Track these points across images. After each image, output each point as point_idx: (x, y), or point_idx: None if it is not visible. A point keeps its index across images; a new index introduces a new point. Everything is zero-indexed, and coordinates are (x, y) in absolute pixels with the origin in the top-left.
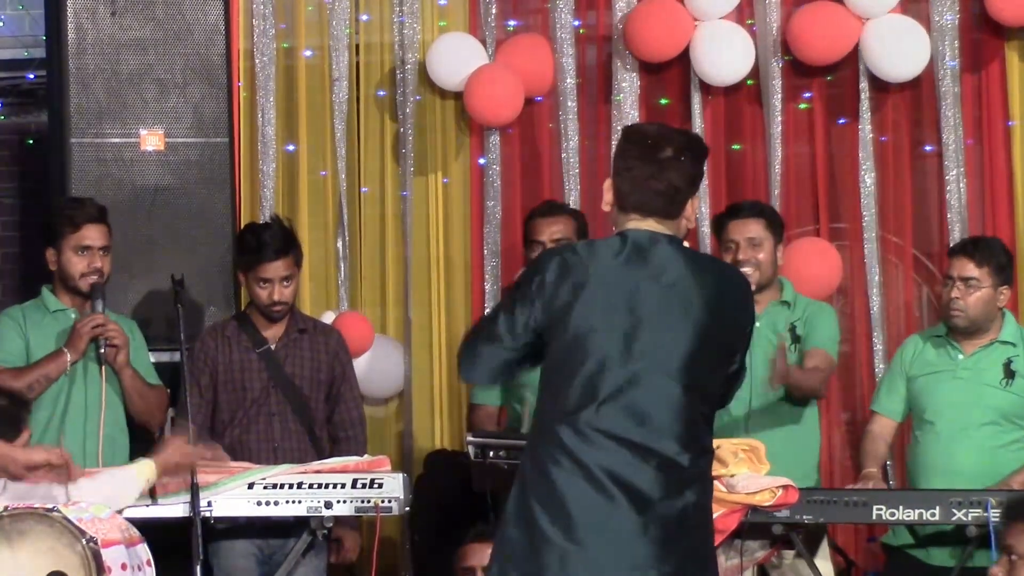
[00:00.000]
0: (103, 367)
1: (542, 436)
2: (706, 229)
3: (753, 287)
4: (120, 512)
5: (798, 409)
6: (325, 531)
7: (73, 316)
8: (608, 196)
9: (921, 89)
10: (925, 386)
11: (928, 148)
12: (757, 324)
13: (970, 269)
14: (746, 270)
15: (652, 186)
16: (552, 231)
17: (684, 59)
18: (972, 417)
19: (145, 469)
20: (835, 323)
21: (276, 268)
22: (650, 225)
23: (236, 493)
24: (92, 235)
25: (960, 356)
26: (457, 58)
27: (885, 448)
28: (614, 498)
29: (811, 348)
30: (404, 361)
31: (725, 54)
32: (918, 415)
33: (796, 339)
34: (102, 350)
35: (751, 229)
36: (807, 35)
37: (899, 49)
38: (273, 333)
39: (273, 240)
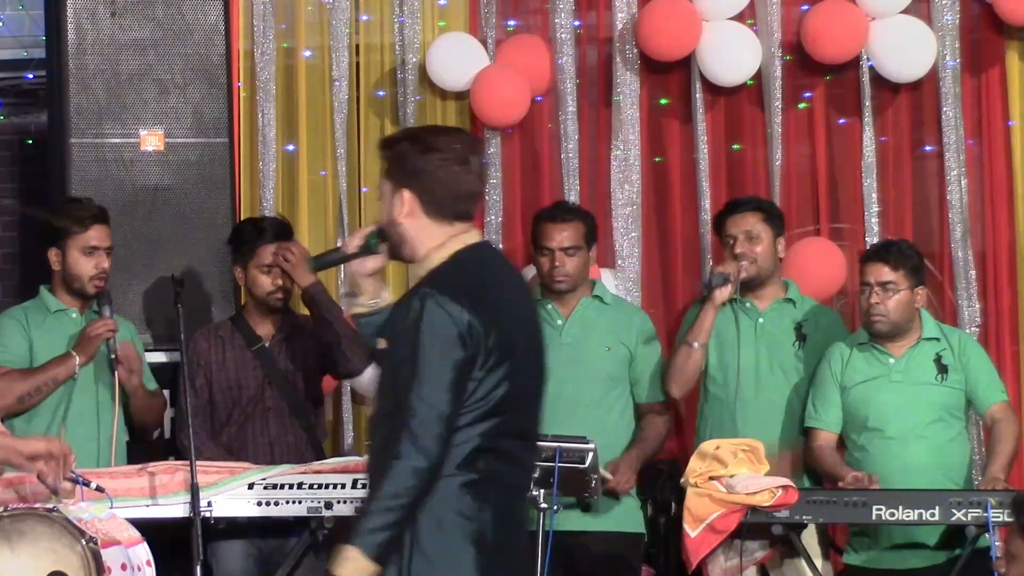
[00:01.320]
0: (116, 370)
1: (497, 463)
2: (708, 229)
3: (750, 275)
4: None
5: (796, 409)
6: (325, 531)
7: (74, 316)
8: (411, 207)
9: (922, 89)
10: (862, 395)
11: (928, 148)
12: (760, 320)
13: (886, 273)
14: (743, 264)
15: (470, 193)
16: (562, 238)
17: (685, 59)
18: (918, 417)
19: None
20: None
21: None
22: (476, 236)
23: (236, 493)
24: (99, 236)
25: (891, 360)
26: (457, 58)
27: (839, 457)
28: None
29: None
30: None
31: (733, 54)
32: (859, 424)
33: (802, 338)
34: (113, 355)
35: (748, 223)
36: (820, 33)
37: (907, 50)
38: (267, 331)
39: (272, 226)
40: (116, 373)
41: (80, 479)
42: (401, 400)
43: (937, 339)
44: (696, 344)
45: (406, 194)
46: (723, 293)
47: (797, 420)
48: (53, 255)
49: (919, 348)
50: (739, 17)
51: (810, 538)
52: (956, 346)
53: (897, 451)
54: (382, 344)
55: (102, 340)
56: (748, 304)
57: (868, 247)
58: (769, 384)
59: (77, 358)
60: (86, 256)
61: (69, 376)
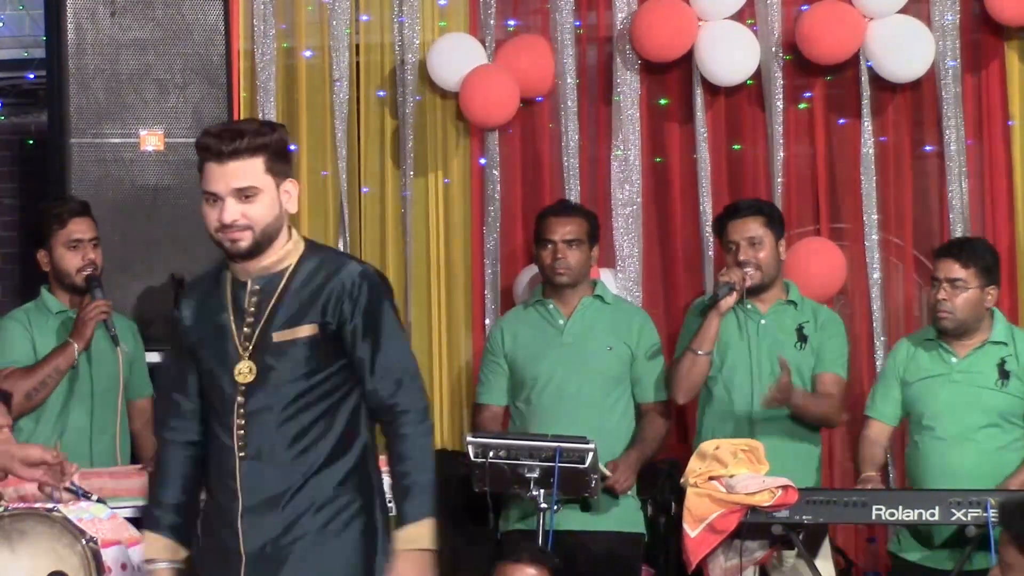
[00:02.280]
0: (118, 348)
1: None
2: (709, 229)
3: (755, 282)
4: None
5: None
6: None
7: (74, 316)
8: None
9: (922, 89)
10: (921, 391)
11: (928, 148)
12: (762, 322)
13: (956, 270)
14: (748, 271)
15: None
16: (565, 231)
17: (685, 59)
18: (972, 420)
19: None
20: (845, 338)
21: None
22: None
23: None
24: (80, 228)
25: (954, 359)
26: (457, 58)
27: (882, 452)
28: None
29: (821, 372)
30: None
31: (731, 54)
32: (916, 420)
33: (803, 339)
34: (113, 332)
35: (750, 228)
36: (816, 34)
37: (904, 50)
38: None
39: None
40: (118, 351)
41: (80, 490)
42: (399, 366)
43: (1005, 343)
44: (701, 352)
45: (294, 183)
46: (728, 302)
47: (800, 421)
48: (42, 256)
49: (984, 350)
50: (738, 17)
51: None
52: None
53: (946, 451)
54: (309, 331)
55: (97, 322)
56: (750, 306)
57: (943, 242)
58: (770, 385)
59: (75, 345)
60: (71, 251)
61: (70, 364)
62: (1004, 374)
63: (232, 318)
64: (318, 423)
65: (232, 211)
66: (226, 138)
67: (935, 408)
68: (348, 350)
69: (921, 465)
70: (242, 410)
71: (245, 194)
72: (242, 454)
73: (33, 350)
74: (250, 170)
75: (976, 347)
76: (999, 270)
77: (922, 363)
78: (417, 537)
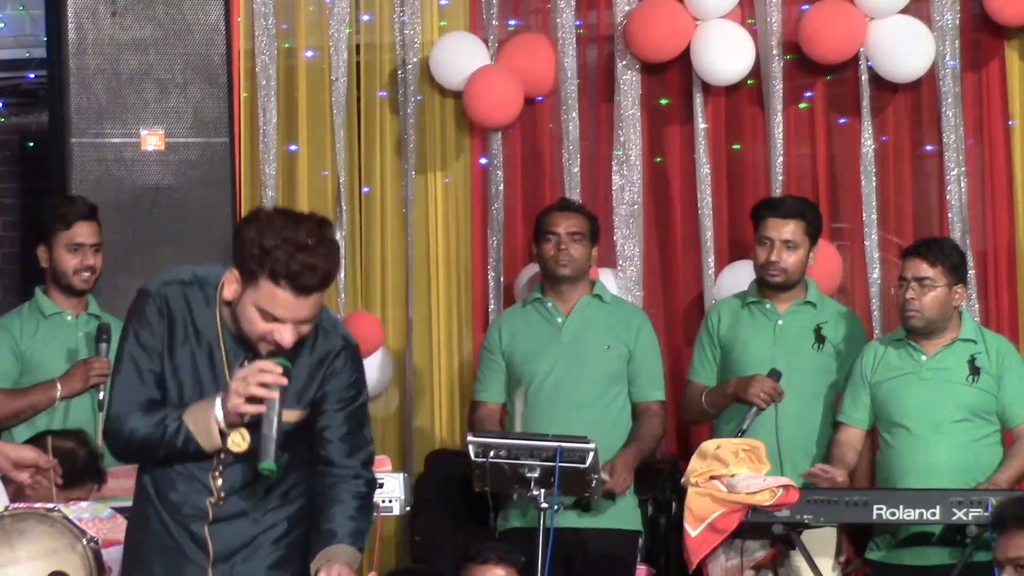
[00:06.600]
0: (100, 413)
1: None
2: (709, 230)
3: (779, 282)
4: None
5: (813, 411)
6: None
7: (69, 319)
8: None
9: (921, 89)
10: (891, 390)
11: (928, 148)
12: (780, 323)
13: (924, 269)
14: (773, 272)
15: None
16: (568, 224)
17: (685, 59)
18: (944, 415)
19: None
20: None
21: None
22: None
23: None
24: (84, 232)
25: (923, 357)
26: (458, 58)
27: (854, 456)
28: None
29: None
30: (404, 361)
31: (726, 54)
32: (887, 419)
33: (821, 340)
34: (101, 396)
35: (789, 231)
36: (818, 33)
37: (904, 50)
38: None
39: None
40: (101, 400)
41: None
42: (365, 420)
43: (974, 341)
44: (712, 411)
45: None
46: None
47: (814, 422)
48: (41, 252)
49: (953, 348)
50: (734, 16)
51: (827, 537)
52: (994, 353)
53: (919, 448)
54: (299, 415)
55: (92, 385)
56: (768, 305)
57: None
58: (786, 386)
59: (59, 390)
60: (71, 252)
61: (49, 405)
62: (975, 370)
63: (228, 378)
64: (294, 477)
65: (290, 336)
66: (312, 276)
67: (906, 405)
68: (317, 415)
69: (894, 463)
70: (221, 467)
71: (305, 322)
72: (218, 505)
73: (16, 361)
74: (318, 302)
75: (945, 345)
76: (966, 269)
77: (891, 363)
78: (354, 553)
